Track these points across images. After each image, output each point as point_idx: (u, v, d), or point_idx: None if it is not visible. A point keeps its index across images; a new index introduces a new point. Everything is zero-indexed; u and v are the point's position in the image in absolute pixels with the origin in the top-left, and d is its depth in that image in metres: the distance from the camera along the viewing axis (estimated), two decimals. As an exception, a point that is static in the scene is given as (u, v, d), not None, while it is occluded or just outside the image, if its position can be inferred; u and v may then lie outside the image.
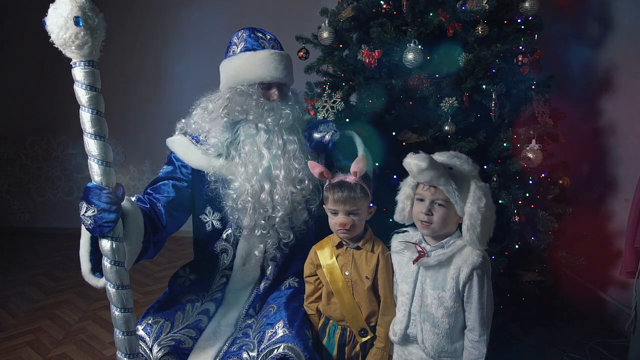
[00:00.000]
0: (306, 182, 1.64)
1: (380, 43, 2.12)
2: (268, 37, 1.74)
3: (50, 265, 3.60)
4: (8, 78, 4.10)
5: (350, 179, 1.48)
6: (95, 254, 1.37)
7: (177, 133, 1.75)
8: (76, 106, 1.19)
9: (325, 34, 2.23)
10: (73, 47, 1.14)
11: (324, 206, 1.56)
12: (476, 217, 1.34)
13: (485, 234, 1.36)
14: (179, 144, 1.71)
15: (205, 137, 1.67)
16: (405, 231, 1.54)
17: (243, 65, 1.65)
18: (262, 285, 1.70)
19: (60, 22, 1.11)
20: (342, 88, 2.27)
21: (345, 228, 1.47)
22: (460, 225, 1.41)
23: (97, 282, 1.40)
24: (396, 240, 1.53)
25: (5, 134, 4.22)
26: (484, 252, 1.39)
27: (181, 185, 1.67)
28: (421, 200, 1.42)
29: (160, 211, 1.58)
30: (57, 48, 1.15)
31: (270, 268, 1.71)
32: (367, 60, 2.12)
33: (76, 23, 1.11)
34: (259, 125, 1.64)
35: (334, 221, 1.49)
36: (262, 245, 1.66)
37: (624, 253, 2.31)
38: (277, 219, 1.62)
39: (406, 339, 1.47)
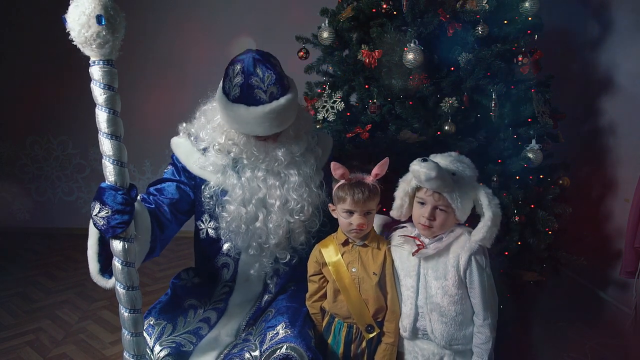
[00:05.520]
0: (305, 209, 1.59)
1: (380, 43, 2.12)
2: (267, 81, 1.44)
3: (50, 265, 3.58)
4: (8, 78, 4.10)
5: (369, 179, 1.48)
6: (103, 254, 1.35)
7: (181, 134, 1.69)
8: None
9: (325, 34, 2.23)
10: (94, 46, 1.12)
11: (331, 205, 1.55)
12: (497, 215, 1.40)
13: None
14: (182, 149, 1.66)
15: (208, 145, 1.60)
16: (404, 226, 1.55)
17: (235, 118, 1.49)
18: (264, 299, 1.69)
19: (83, 20, 1.09)
20: (342, 88, 2.27)
21: (363, 228, 1.47)
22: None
23: (105, 282, 1.37)
24: (396, 236, 1.54)
25: (5, 134, 4.21)
26: None
27: (185, 188, 1.64)
28: (422, 203, 1.43)
29: (165, 211, 1.57)
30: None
31: (272, 283, 1.70)
32: (367, 60, 2.12)
33: (99, 22, 1.10)
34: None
35: (348, 221, 1.47)
36: (257, 265, 1.64)
37: (624, 253, 2.31)
38: (271, 245, 1.59)
39: (415, 333, 1.48)
